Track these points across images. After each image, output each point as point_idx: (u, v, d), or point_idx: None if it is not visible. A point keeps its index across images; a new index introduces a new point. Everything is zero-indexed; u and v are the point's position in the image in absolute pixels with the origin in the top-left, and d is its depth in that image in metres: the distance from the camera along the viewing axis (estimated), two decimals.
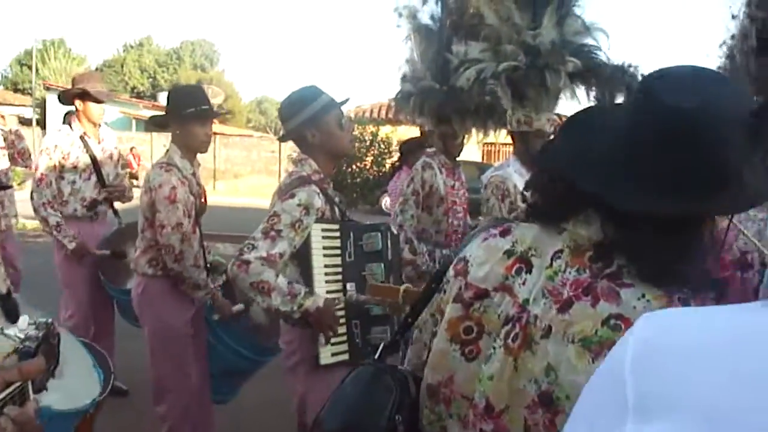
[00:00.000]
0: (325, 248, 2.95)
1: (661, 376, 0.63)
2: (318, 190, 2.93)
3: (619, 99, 4.22)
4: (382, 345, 1.63)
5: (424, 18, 5.46)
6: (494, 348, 1.22)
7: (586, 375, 1.03)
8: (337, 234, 3.00)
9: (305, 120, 3.03)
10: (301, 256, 2.90)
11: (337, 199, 3.14)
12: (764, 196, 1.18)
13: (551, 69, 3.92)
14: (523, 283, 1.23)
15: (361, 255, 3.02)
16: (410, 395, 1.39)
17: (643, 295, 1.09)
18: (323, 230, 2.94)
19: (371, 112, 23.96)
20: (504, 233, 1.34)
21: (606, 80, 4.32)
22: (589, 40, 4.37)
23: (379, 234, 3.05)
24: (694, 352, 0.64)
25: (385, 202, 16.72)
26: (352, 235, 3.02)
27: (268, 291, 2.70)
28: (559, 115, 4.63)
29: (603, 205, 1.16)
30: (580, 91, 4.24)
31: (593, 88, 4.61)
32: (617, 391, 0.65)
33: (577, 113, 1.36)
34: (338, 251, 2.99)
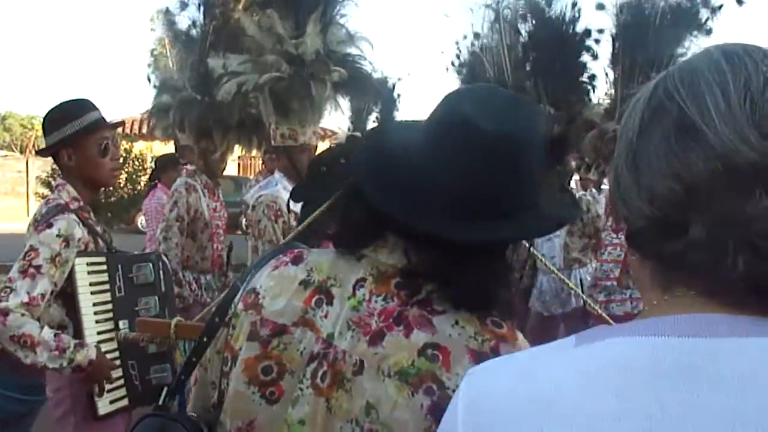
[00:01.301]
0: (92, 284, 2.69)
1: None
2: (78, 219, 2.67)
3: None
4: (165, 389, 1.48)
5: (183, 24, 5.23)
6: (301, 389, 1.14)
7: (410, 410, 1.03)
8: (104, 267, 2.75)
9: (63, 138, 2.74)
10: (66, 295, 2.62)
11: (99, 229, 2.88)
12: (563, 219, 1.22)
13: (316, 79, 3.93)
14: (325, 316, 1.15)
15: (133, 288, 2.80)
16: None
17: (457, 322, 1.07)
18: (88, 264, 2.68)
19: (124, 126, 22.55)
20: (296, 260, 1.26)
21: (371, 90, 4.44)
22: (353, 50, 4.46)
23: (150, 264, 2.86)
24: (519, 410, 0.66)
25: (141, 220, 15.97)
26: (120, 267, 2.79)
27: (31, 346, 2.41)
28: (323, 129, 4.68)
29: (405, 229, 1.13)
30: (344, 102, 4.33)
31: (355, 99, 4.74)
32: None
33: (375, 131, 1.34)
34: (107, 286, 2.75)
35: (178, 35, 4.94)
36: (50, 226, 2.56)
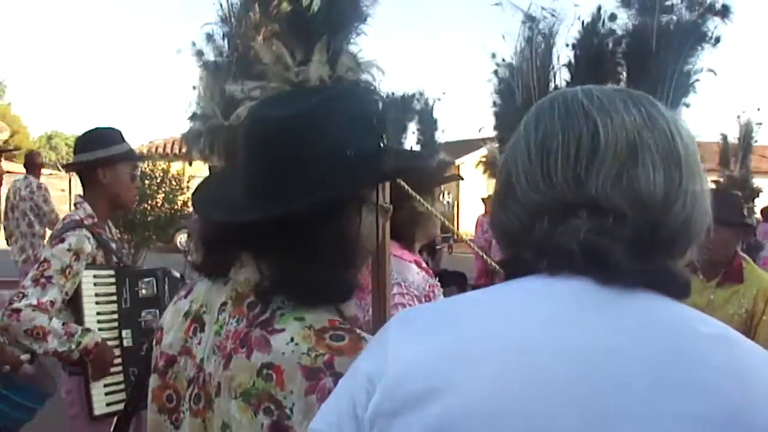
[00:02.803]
0: (98, 295, 2.90)
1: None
2: (89, 235, 2.88)
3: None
4: (116, 418, 1.55)
5: (211, 54, 5.46)
6: (183, 412, 1.20)
7: (252, 430, 1.05)
8: (112, 280, 2.96)
9: (102, 157, 3.01)
10: (74, 304, 2.84)
11: (114, 245, 3.10)
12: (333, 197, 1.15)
13: None
14: (199, 343, 1.20)
15: (137, 301, 2.99)
16: None
17: (292, 339, 1.07)
18: (95, 277, 2.89)
19: (164, 147, 23.18)
20: (187, 293, 1.30)
21: (387, 113, 4.58)
22: (365, 77, 4.61)
23: (155, 279, 3.05)
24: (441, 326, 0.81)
25: (181, 239, 16.26)
26: (127, 281, 2.99)
27: (43, 336, 2.63)
28: None
29: (251, 242, 1.15)
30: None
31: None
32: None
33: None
34: (113, 298, 2.95)
35: (206, 65, 5.17)
36: (62, 240, 2.80)
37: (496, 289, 0.87)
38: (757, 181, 15.48)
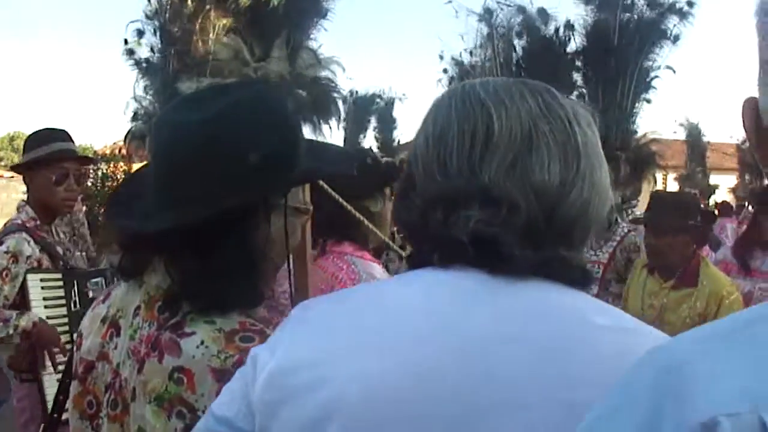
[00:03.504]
0: (46, 299, 2.81)
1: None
2: (29, 238, 2.79)
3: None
4: (41, 426, 1.52)
5: (144, 51, 5.37)
6: (102, 418, 1.19)
7: None
8: (60, 283, 2.87)
9: (29, 161, 2.89)
10: (22, 309, 2.76)
11: (60, 249, 3.01)
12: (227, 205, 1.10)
13: None
14: (116, 347, 1.19)
15: (87, 302, 2.90)
16: None
17: (202, 342, 1.06)
18: (42, 280, 2.81)
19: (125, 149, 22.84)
20: (105, 298, 1.28)
21: (347, 112, 4.58)
22: (325, 73, 4.60)
23: (104, 279, 2.96)
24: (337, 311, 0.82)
25: None
26: (76, 283, 2.89)
27: None
28: None
29: (160, 248, 1.14)
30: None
31: (332, 120, 4.88)
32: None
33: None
34: (62, 301, 2.85)
35: (138, 63, 5.09)
36: (1, 243, 2.72)
37: (393, 280, 0.88)
38: (719, 178, 15.80)
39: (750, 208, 7.05)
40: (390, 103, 15.80)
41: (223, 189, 1.08)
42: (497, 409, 0.70)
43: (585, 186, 0.80)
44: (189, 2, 5.01)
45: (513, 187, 0.77)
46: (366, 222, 1.73)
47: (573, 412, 0.64)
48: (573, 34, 7.98)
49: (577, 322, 0.74)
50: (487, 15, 7.35)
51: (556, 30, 8.02)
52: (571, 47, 8.14)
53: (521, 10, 7.50)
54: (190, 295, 1.10)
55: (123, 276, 1.22)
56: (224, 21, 4.68)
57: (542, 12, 7.77)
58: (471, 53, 7.28)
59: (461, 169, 0.79)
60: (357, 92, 14.57)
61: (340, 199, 1.69)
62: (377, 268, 2.17)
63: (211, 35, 4.65)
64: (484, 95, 0.82)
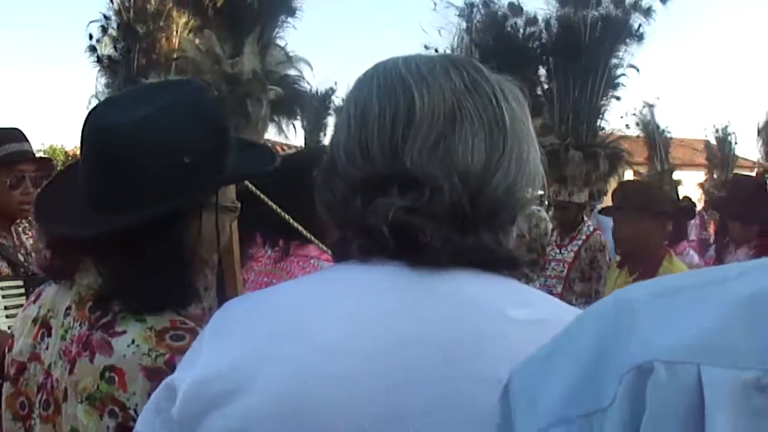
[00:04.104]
0: (7, 308, 2.72)
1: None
2: None
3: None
4: None
5: (107, 49, 5.27)
6: (34, 419, 1.19)
7: None
8: (21, 291, 2.78)
9: None
10: None
11: (21, 255, 2.91)
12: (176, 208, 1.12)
13: (253, 97, 4.00)
14: (47, 348, 1.18)
15: None
16: None
17: (133, 341, 1.06)
18: (2, 288, 2.72)
19: None
20: (36, 299, 1.27)
21: (310, 110, 4.54)
22: (292, 71, 4.54)
23: None
24: (256, 315, 0.80)
25: None
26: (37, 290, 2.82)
27: None
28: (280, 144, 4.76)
29: (90, 249, 1.13)
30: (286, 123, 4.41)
31: (297, 118, 4.82)
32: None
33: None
34: None
35: (101, 59, 5.00)
36: None
37: (312, 280, 0.87)
38: (689, 174, 16.03)
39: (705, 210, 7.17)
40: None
41: (157, 192, 1.07)
42: (412, 416, 0.69)
43: (511, 166, 0.77)
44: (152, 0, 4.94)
45: (436, 169, 0.74)
46: (294, 224, 1.74)
47: (486, 413, 0.62)
48: (542, 31, 8.09)
49: (492, 318, 0.72)
50: (468, 9, 7.36)
51: (525, 25, 8.15)
52: (542, 44, 8.26)
53: (487, 5, 7.54)
54: (121, 295, 1.10)
55: (53, 276, 1.21)
56: (191, 18, 4.60)
57: (513, 6, 7.81)
58: (452, 49, 7.26)
59: (383, 152, 0.76)
60: (314, 90, 14.56)
61: (268, 200, 1.69)
62: None
63: (177, 32, 4.57)
64: (405, 72, 0.79)
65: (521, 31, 8.55)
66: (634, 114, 14.95)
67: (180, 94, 1.15)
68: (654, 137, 14.48)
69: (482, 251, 0.75)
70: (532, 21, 8.01)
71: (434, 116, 0.75)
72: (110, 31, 4.93)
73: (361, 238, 0.76)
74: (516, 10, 7.97)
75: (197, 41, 4.38)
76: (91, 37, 5.00)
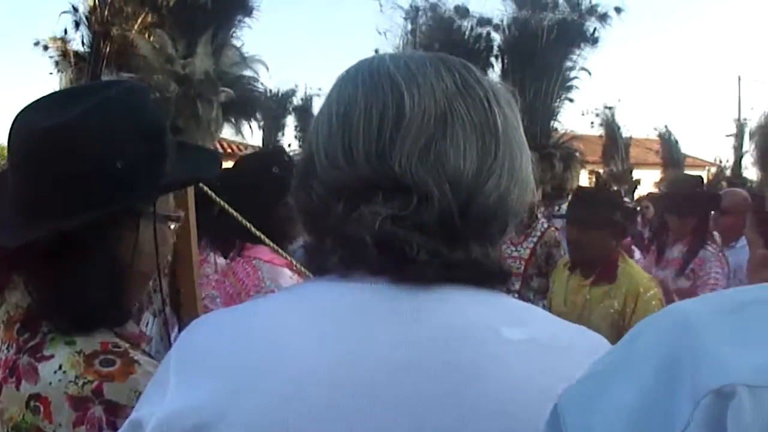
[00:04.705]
0: None
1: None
2: None
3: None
4: None
5: (74, 44, 5.18)
6: None
7: None
8: None
9: None
10: None
11: None
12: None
13: (203, 99, 3.96)
14: None
15: None
16: None
17: (60, 367, 0.99)
18: None
19: None
20: None
21: (267, 110, 4.53)
22: (248, 71, 4.52)
23: None
24: (227, 351, 0.71)
25: None
26: None
27: None
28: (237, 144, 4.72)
29: (17, 264, 1.06)
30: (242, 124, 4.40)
31: (252, 120, 4.80)
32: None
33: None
34: None
35: (67, 55, 4.93)
36: None
37: (286, 299, 0.79)
38: (643, 173, 16.34)
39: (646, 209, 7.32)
40: (308, 100, 15.85)
41: (84, 200, 1.01)
42: None
43: (504, 174, 0.72)
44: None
45: (426, 175, 0.69)
46: (249, 226, 1.70)
47: None
48: (491, 33, 8.22)
49: (486, 340, 0.68)
50: (413, 12, 7.45)
51: (472, 27, 8.28)
52: (490, 46, 8.39)
53: (433, 7, 7.63)
54: (49, 314, 1.03)
55: None
56: (147, 17, 4.55)
57: (459, 9, 7.93)
58: (399, 50, 7.37)
59: (368, 155, 0.71)
60: (272, 90, 14.59)
61: (224, 203, 1.65)
62: (285, 274, 2.13)
63: (134, 30, 4.52)
64: (394, 70, 0.74)
65: (467, 33, 8.66)
66: (597, 114, 15.25)
67: (111, 96, 1.08)
68: (615, 137, 14.77)
69: (471, 266, 0.71)
70: (482, 23, 8.13)
71: (425, 118, 0.70)
72: (73, 26, 4.87)
73: (342, 248, 0.70)
74: (462, 12, 8.10)
75: (152, 39, 4.34)
76: (66, 31, 4.93)
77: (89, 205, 1.00)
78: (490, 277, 0.72)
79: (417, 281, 0.68)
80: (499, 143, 0.72)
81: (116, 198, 1.02)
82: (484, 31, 7.95)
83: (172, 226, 1.20)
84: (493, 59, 7.69)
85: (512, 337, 0.68)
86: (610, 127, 14.81)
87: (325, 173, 0.73)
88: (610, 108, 14.48)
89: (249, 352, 0.70)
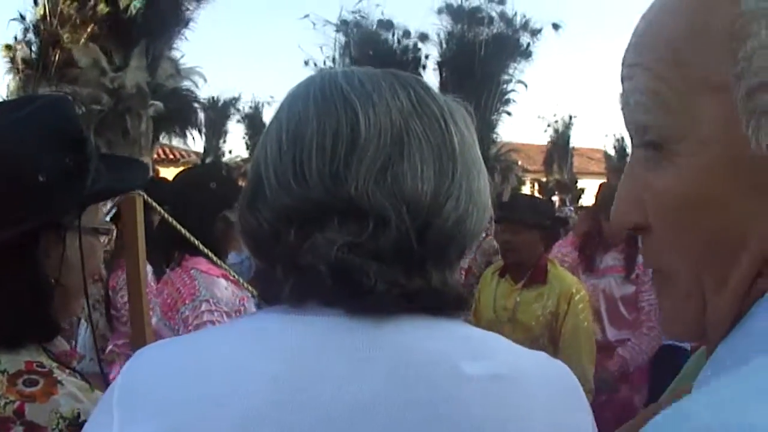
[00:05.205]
0: None
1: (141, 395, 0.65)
2: None
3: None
4: None
5: (22, 53, 5.08)
6: None
7: None
8: None
9: None
10: None
11: None
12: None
13: (133, 113, 3.93)
14: None
15: None
16: None
17: None
18: None
19: None
20: None
21: (206, 119, 4.51)
22: (186, 83, 4.50)
23: None
24: (174, 384, 0.66)
25: None
26: None
27: None
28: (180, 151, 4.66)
29: None
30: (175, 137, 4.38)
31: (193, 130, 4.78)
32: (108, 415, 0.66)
33: None
34: None
35: (16, 62, 4.83)
36: None
37: (234, 332, 0.75)
38: (585, 182, 16.74)
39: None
40: (258, 108, 16.10)
41: (4, 216, 1.00)
42: None
43: (462, 195, 0.70)
44: (46, 9, 4.78)
45: (383, 199, 0.65)
46: (190, 237, 1.70)
47: None
48: (427, 46, 8.45)
49: (444, 376, 0.65)
50: (343, 26, 7.58)
51: (398, 39, 8.53)
52: (431, 59, 8.63)
53: (358, 23, 7.83)
54: None
55: None
56: (86, 28, 4.49)
57: (383, 22, 8.15)
58: (333, 61, 7.45)
59: (322, 175, 0.66)
60: (215, 99, 14.77)
61: (167, 215, 1.65)
62: (221, 284, 2.14)
63: (80, 42, 4.44)
64: (347, 87, 0.70)
65: (394, 45, 8.90)
66: (549, 125, 15.58)
67: (33, 110, 1.07)
68: (565, 146, 15.11)
69: (430, 295, 0.67)
70: (407, 35, 8.39)
71: (381, 139, 0.67)
72: (29, 34, 4.77)
73: (294, 278, 0.66)
74: (386, 25, 8.31)
75: (86, 50, 4.28)
76: (16, 38, 4.84)
77: (9, 220, 0.99)
78: (448, 305, 0.69)
79: (374, 313, 0.65)
80: (457, 164, 0.70)
81: (37, 212, 1.01)
82: (410, 42, 8.20)
83: (102, 239, 1.18)
84: (430, 73, 7.88)
85: (471, 372, 0.65)
86: (562, 136, 15.16)
87: (275, 197, 0.68)
88: (571, 117, 14.83)
89: (194, 389, 0.65)
